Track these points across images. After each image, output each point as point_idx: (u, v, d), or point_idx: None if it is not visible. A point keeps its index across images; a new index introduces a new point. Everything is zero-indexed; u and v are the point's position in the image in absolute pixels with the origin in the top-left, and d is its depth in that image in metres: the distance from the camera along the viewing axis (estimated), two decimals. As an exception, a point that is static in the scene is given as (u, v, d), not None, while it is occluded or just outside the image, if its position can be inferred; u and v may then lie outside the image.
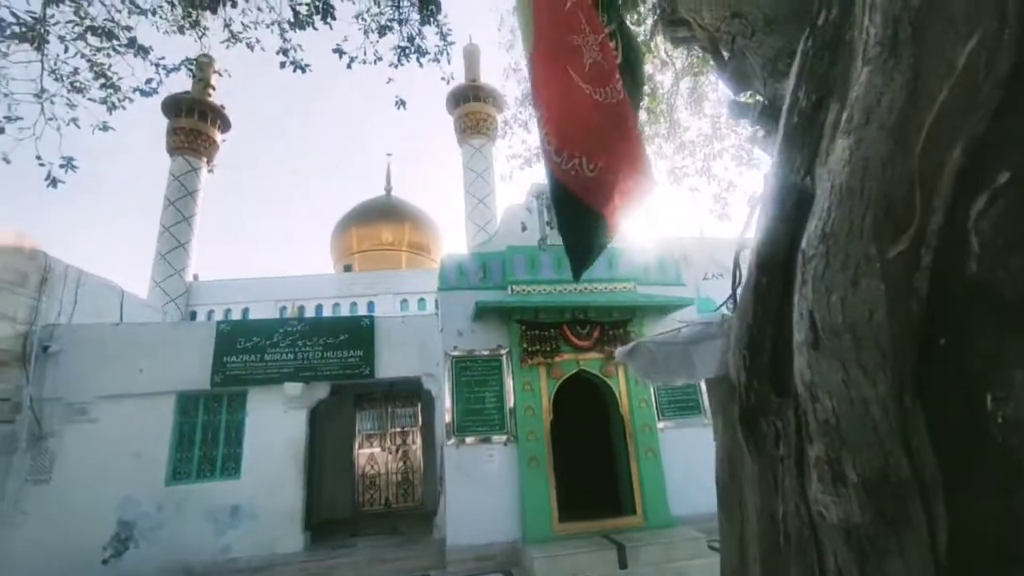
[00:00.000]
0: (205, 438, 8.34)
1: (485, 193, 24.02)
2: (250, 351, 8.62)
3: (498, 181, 25.02)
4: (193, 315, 19.90)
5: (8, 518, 7.30)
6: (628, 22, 1.94)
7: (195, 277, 21.15)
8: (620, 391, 8.19)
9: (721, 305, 2.14)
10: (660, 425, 8.23)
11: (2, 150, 3.00)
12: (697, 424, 8.43)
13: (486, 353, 8.18)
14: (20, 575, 7.08)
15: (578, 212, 1.98)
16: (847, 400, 0.95)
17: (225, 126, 23.84)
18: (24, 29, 2.89)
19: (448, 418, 7.80)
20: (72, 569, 7.18)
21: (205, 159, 22.71)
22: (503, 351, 8.18)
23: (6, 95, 3.05)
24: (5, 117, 3.04)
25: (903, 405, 0.92)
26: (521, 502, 7.38)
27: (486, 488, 7.48)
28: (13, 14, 2.87)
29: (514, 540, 7.26)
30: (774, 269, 1.23)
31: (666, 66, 4.75)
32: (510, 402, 7.91)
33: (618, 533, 7.21)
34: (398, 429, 11.61)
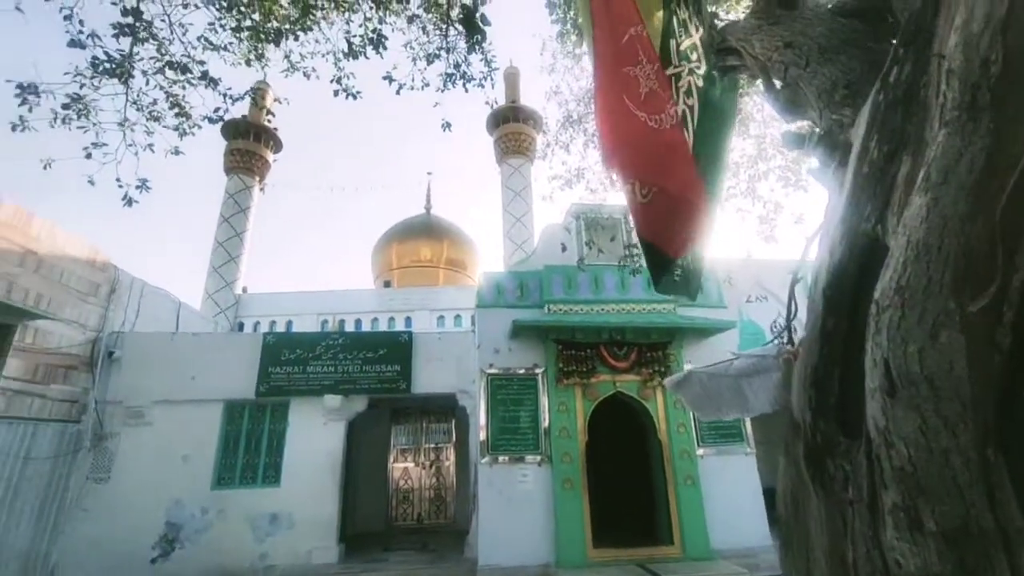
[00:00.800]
0: (249, 446, 8.61)
1: (523, 212, 24.21)
2: (293, 363, 8.90)
3: (537, 201, 25.17)
4: (241, 326, 20.73)
5: (71, 514, 7.73)
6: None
7: (244, 289, 22.10)
8: (658, 415, 7.98)
9: (775, 338, 2.07)
10: (700, 452, 7.95)
11: (87, 173, 3.29)
12: (739, 452, 8.09)
13: (522, 372, 8.15)
14: (81, 569, 7.45)
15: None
16: (925, 449, 0.96)
17: (277, 147, 25.10)
18: (113, 66, 3.19)
19: (482, 436, 7.78)
20: (124, 566, 7.49)
21: (258, 178, 23.92)
22: (539, 370, 8.13)
23: (94, 124, 3.36)
24: (93, 143, 3.35)
25: (986, 457, 0.92)
26: (554, 525, 7.24)
27: (519, 509, 7.38)
28: (106, 53, 3.17)
29: (546, 564, 7.11)
30: (841, 312, 1.25)
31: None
32: (545, 422, 7.83)
33: (654, 563, 6.95)
34: (432, 445, 11.66)
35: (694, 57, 1.96)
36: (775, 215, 5.04)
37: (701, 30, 1.92)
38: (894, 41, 1.41)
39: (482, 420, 7.86)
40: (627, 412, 8.54)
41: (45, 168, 3.40)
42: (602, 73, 1.91)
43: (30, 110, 3.13)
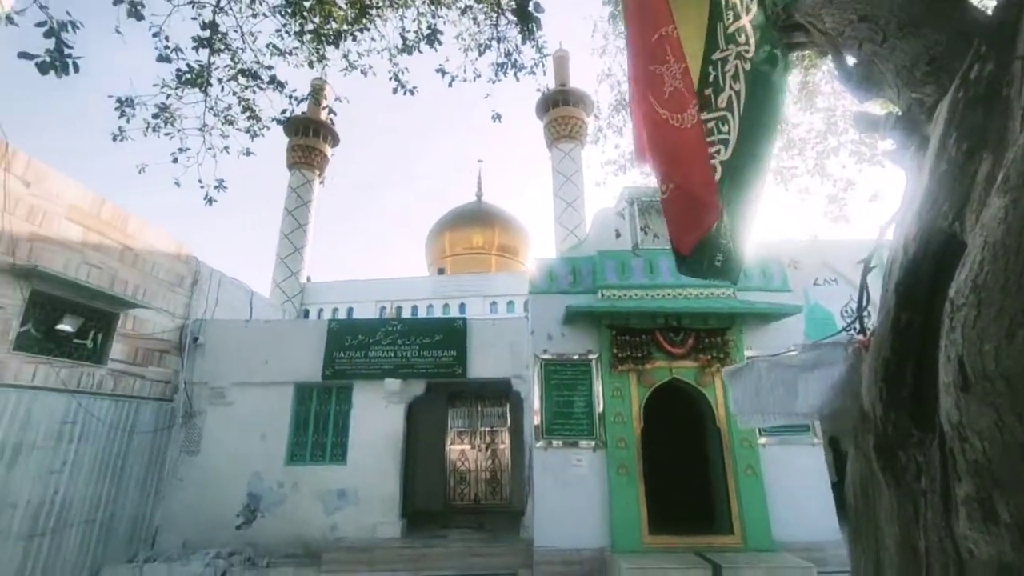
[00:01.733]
0: (317, 426, 9.20)
1: (574, 197, 23.96)
2: (356, 348, 9.37)
3: (589, 185, 24.80)
4: (306, 313, 22.01)
5: (169, 482, 8.64)
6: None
7: (308, 279, 23.38)
8: (717, 402, 7.78)
9: (847, 327, 1.99)
10: (761, 441, 7.70)
11: (173, 176, 3.64)
12: (804, 443, 7.76)
13: (576, 357, 8.18)
14: (178, 532, 8.34)
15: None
16: (1000, 444, 0.95)
17: (335, 141, 26.13)
18: (194, 76, 3.50)
19: (537, 420, 7.91)
20: (215, 529, 8.31)
21: (317, 172, 25.06)
22: (593, 356, 8.13)
23: (179, 131, 3.70)
24: (179, 149, 3.70)
25: None
26: (609, 510, 7.29)
27: (574, 493, 7.48)
28: (188, 65, 3.48)
29: (601, 548, 7.18)
30: (916, 308, 1.24)
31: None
32: (599, 408, 7.85)
33: (712, 552, 6.85)
34: (487, 428, 11.95)
35: (742, 40, 1.91)
36: (846, 193, 4.74)
37: (752, 11, 1.87)
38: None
39: (536, 405, 7.98)
40: (684, 399, 8.39)
41: (140, 172, 3.79)
42: (633, 69, 1.97)
43: (128, 121, 3.49)
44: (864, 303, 1.92)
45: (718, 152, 1.97)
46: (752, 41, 1.89)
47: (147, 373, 8.49)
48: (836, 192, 4.74)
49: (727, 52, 1.97)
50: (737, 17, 1.92)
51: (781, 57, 1.79)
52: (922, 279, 1.23)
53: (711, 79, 2.03)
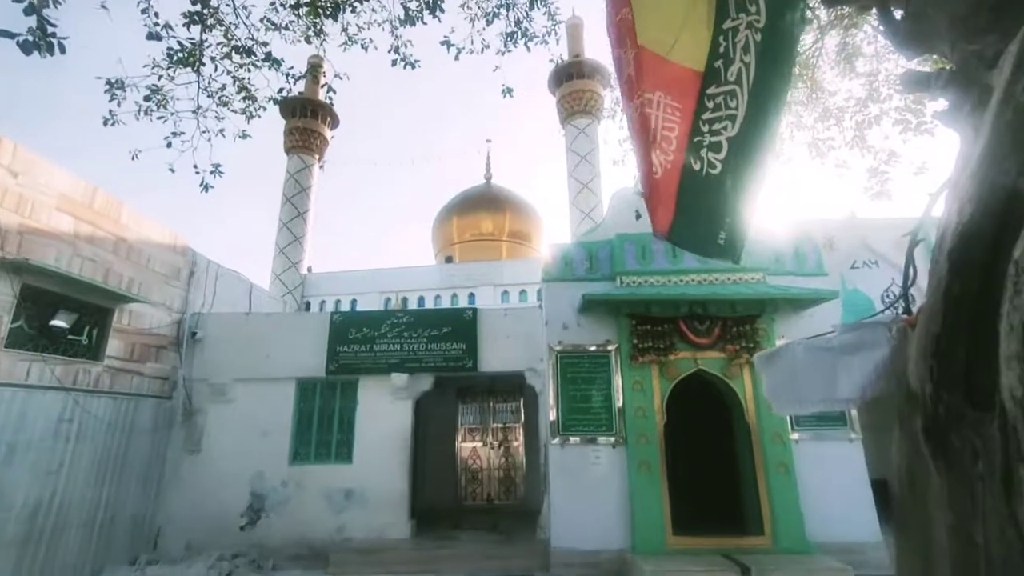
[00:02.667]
0: (321, 423, 9.34)
1: (590, 177, 23.78)
2: (360, 341, 9.46)
3: (606, 164, 24.59)
4: (308, 305, 22.26)
5: (170, 482, 8.86)
6: None
7: (309, 269, 23.60)
8: (746, 395, 7.74)
9: (888, 306, 1.96)
10: (794, 436, 7.65)
11: (167, 162, 3.69)
12: (840, 438, 7.70)
13: (593, 349, 8.18)
14: (180, 533, 8.57)
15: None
16: None
17: (334, 123, 26.19)
18: (186, 54, 3.51)
19: (552, 416, 7.94)
20: (218, 530, 8.51)
21: (317, 156, 25.16)
22: (611, 347, 8.12)
23: (172, 114, 3.74)
24: (172, 133, 3.74)
25: None
26: (630, 510, 7.32)
27: (592, 491, 7.52)
28: (179, 43, 3.50)
29: (621, 549, 7.23)
30: (972, 275, 1.19)
31: (808, 22, 4.36)
32: (619, 402, 7.86)
33: (741, 554, 6.86)
34: (500, 424, 12.04)
35: (753, 10, 1.92)
36: (888, 166, 4.63)
37: None
38: None
39: (551, 399, 8.01)
40: (710, 392, 8.36)
41: (134, 159, 3.83)
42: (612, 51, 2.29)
43: (118, 104, 3.53)
44: (910, 280, 1.89)
45: (724, 128, 2.02)
46: (763, 10, 1.90)
47: (145, 370, 8.66)
48: (877, 165, 4.64)
49: (738, 21, 1.98)
50: None
51: (796, 23, 1.81)
52: (980, 242, 1.19)
53: (721, 50, 2.05)
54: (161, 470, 8.88)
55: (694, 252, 2.41)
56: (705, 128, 2.09)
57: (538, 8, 4.23)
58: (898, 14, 1.70)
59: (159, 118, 3.88)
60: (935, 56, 1.67)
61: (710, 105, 2.07)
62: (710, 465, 8.56)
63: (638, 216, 7.91)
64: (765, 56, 1.91)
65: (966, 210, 1.20)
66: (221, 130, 3.99)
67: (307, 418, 9.36)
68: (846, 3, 2.07)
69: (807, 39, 4.83)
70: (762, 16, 1.92)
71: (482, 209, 27.71)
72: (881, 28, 1.84)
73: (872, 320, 1.86)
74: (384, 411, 9.21)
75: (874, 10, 1.85)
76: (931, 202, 1.77)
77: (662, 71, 2.19)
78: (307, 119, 24.61)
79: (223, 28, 3.75)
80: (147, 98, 3.78)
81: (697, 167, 2.10)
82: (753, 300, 7.82)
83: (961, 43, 1.43)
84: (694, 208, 2.18)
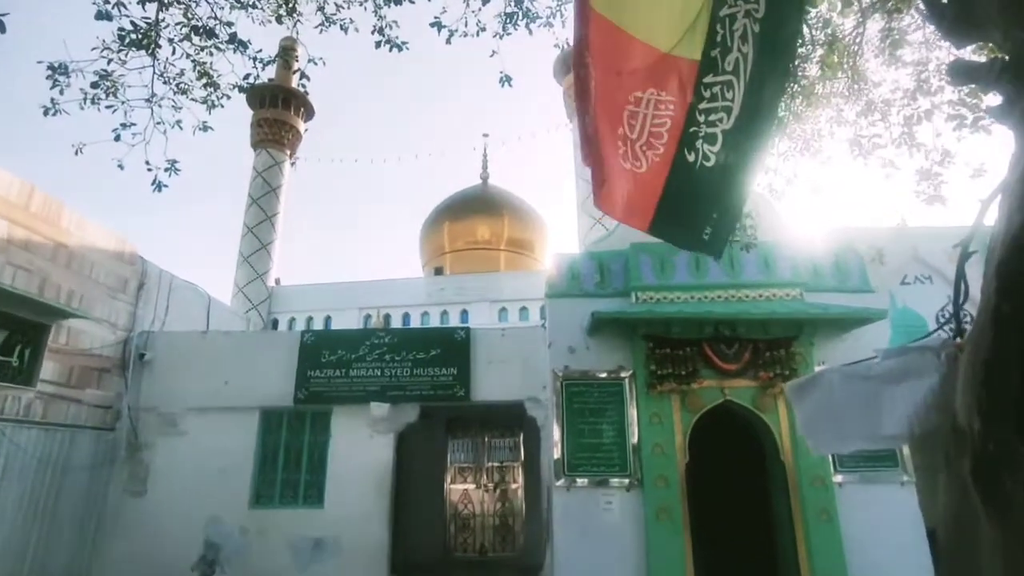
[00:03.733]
0: (288, 460, 9.28)
1: (600, 177, 23.95)
2: (335, 365, 9.44)
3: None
4: (275, 323, 22.25)
5: (110, 528, 8.77)
6: None
7: (277, 281, 23.65)
8: (781, 431, 7.71)
9: (937, 328, 1.97)
10: (837, 479, 7.60)
11: (116, 157, 3.72)
12: (891, 481, 7.65)
13: (604, 375, 8.16)
14: (117, 590, 8.46)
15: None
16: None
17: (309, 114, 26.43)
18: (140, 36, 3.57)
19: (556, 453, 7.90)
20: (163, 588, 8.40)
21: (288, 151, 25.35)
22: (625, 373, 8.10)
23: (123, 103, 3.78)
24: (121, 124, 3.78)
25: None
26: (647, 564, 7.24)
27: (602, 543, 7.45)
28: (132, 23, 3.56)
29: (638, 611, 7.14)
30: (1021, 293, 1.18)
31: (848, 6, 4.41)
32: (633, 437, 7.82)
33: (778, 618, 6.77)
34: (496, 463, 11.94)
35: None
36: (942, 167, 4.67)
37: None
38: None
39: (555, 434, 7.97)
40: (739, 426, 8.31)
41: (77, 153, 3.87)
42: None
43: (61, 92, 3.57)
44: (962, 298, 1.89)
45: (720, 120, 2.19)
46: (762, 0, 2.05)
47: (84, 396, 8.63)
48: (929, 166, 4.67)
49: (736, 8, 2.13)
50: None
51: (795, 15, 1.94)
52: None
53: (718, 38, 2.19)
54: (100, 513, 8.79)
55: (676, 245, 2.72)
56: (701, 119, 2.26)
57: (542, -15, 4.31)
58: None
59: (108, 107, 3.92)
60: (990, 44, 1.71)
61: (706, 95, 2.23)
62: (740, 512, 8.48)
63: (655, 222, 7.93)
64: (764, 48, 2.05)
65: (1016, 219, 1.20)
66: (178, 121, 4.04)
67: (271, 454, 9.30)
68: None
69: (847, 24, 4.91)
70: (761, 5, 2.05)
71: (477, 213, 27.85)
72: (926, 12, 1.88)
73: (919, 344, 1.87)
74: (361, 447, 9.15)
75: None
76: (983, 208, 1.79)
77: (657, 64, 2.39)
78: (277, 109, 24.84)
79: (183, 6, 3.81)
80: (95, 84, 3.82)
81: (692, 159, 2.28)
82: (789, 320, 7.82)
83: (1015, 30, 1.45)
84: (680, 200, 2.38)
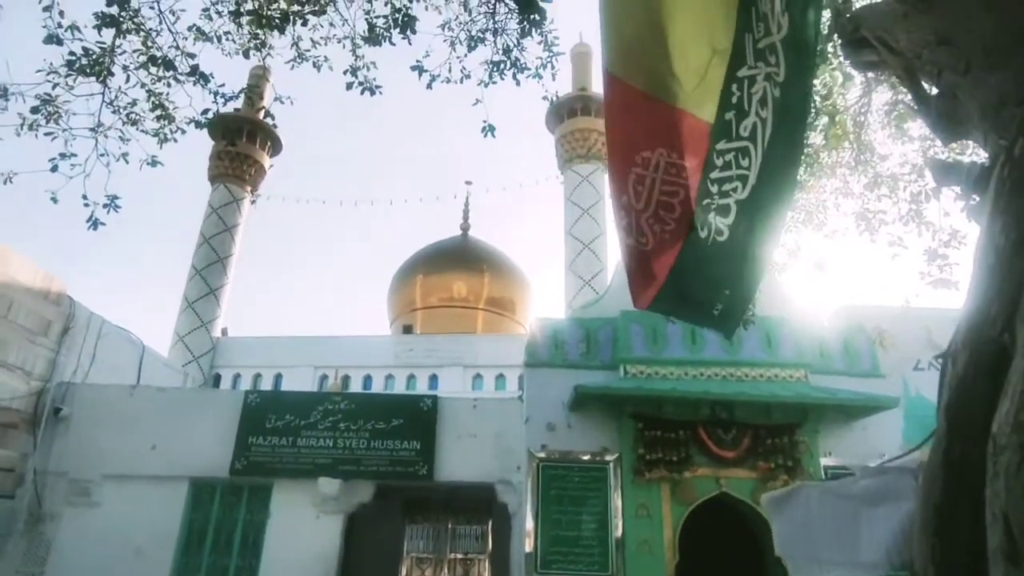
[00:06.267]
0: (218, 541, 8.91)
1: (592, 236, 24.40)
2: (281, 432, 9.23)
3: (612, 225, 25.28)
4: (217, 379, 21.79)
5: (-7, 620, 8.24)
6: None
7: (223, 332, 23.31)
8: (782, 531, 7.62)
9: (922, 443, 2.02)
10: (846, 590, 7.48)
11: (52, 188, 3.74)
12: (907, 595, 7.55)
13: (586, 458, 8.09)
14: None
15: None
16: None
17: (275, 149, 26.83)
18: (91, 62, 3.67)
19: (529, 546, 7.73)
20: None
21: (249, 188, 25.55)
22: (610, 457, 8.05)
23: (64, 131, 3.83)
24: (60, 154, 3.82)
25: None
26: None
27: (578, 656, 7.18)
28: (84, 48, 3.66)
29: None
30: (971, 436, 1.25)
31: (849, 80, 4.71)
32: (617, 531, 7.69)
33: None
34: (460, 554, 11.58)
35: (773, 61, 2.08)
36: (949, 248, 4.87)
37: (784, 29, 2.04)
38: None
39: (529, 524, 7.82)
40: (736, 522, 8.21)
41: (6, 183, 3.88)
42: None
43: (-4, 116, 3.62)
44: (944, 399, 1.95)
45: (734, 190, 2.18)
46: (783, 63, 2.07)
47: (-17, 456, 8.28)
48: (936, 246, 4.87)
49: (756, 71, 2.15)
50: (768, 33, 2.09)
51: (809, 83, 2.00)
52: (975, 401, 1.24)
53: (735, 100, 2.20)
54: (-14, 600, 8.28)
55: (682, 320, 2.63)
56: (714, 189, 2.23)
57: (532, 36, 4.52)
58: (931, 90, 1.88)
59: (47, 134, 3.97)
60: (971, 141, 1.84)
61: (719, 163, 2.22)
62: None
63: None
64: (783, 114, 2.06)
65: (960, 359, 1.28)
66: (124, 154, 4.09)
67: (199, 533, 8.94)
68: (874, 68, 2.28)
69: (853, 94, 5.21)
70: (781, 69, 2.08)
71: (455, 267, 28.02)
72: (915, 105, 2.03)
73: (897, 464, 1.91)
74: (305, 529, 8.85)
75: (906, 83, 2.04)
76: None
77: (668, 121, 2.36)
78: (241, 141, 25.18)
79: (143, 34, 3.93)
80: (35, 109, 3.89)
81: (704, 234, 2.25)
82: (793, 404, 7.89)
83: (993, 134, 1.57)
84: (690, 276, 2.34)
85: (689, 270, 2.32)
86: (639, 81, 2.43)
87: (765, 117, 2.11)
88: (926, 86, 1.94)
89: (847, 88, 4.86)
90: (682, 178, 2.30)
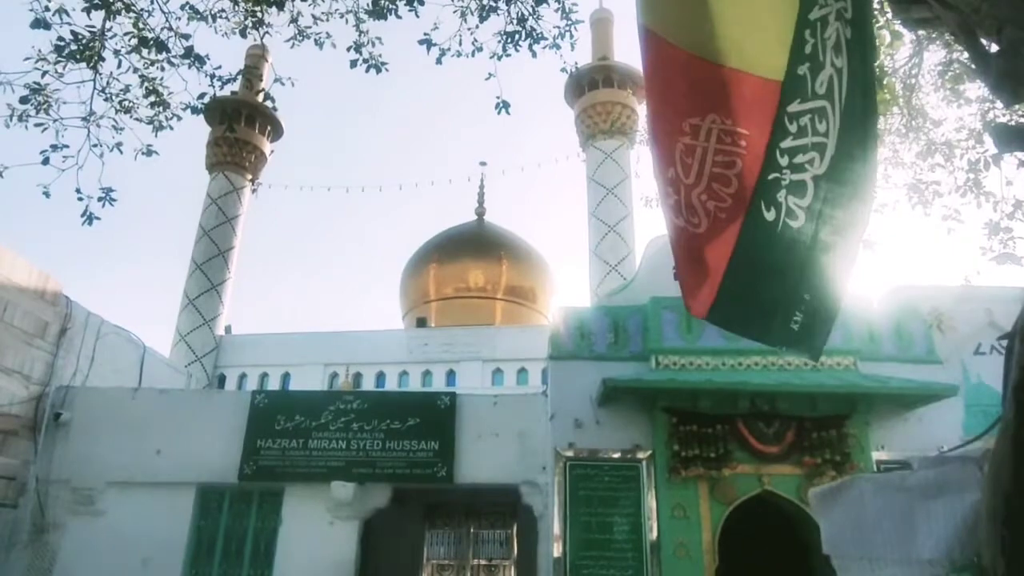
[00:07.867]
0: (228, 550, 9.08)
1: (618, 218, 24.25)
2: (291, 434, 9.35)
3: (640, 201, 25.15)
4: (222, 379, 22.09)
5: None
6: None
7: (227, 329, 23.60)
8: (831, 531, 7.58)
9: (988, 430, 1.98)
10: (901, 593, 7.43)
11: (43, 182, 3.82)
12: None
13: (616, 456, 8.10)
14: None
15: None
16: None
17: (276, 134, 26.99)
18: (81, 47, 3.72)
19: (557, 551, 7.76)
20: None
21: (249, 176, 25.75)
22: (642, 454, 8.05)
23: (55, 121, 3.90)
24: (51, 145, 3.89)
25: None
26: None
27: (612, 667, 7.23)
28: (73, 32, 3.71)
29: None
30: None
31: (898, 38, 4.62)
32: (652, 533, 7.70)
33: None
34: (483, 561, 11.68)
35: None
36: (1013, 219, 4.78)
37: None
38: None
39: (556, 527, 7.85)
40: (780, 523, 8.19)
41: (-2, 177, 3.97)
42: None
43: (-15, 106, 3.70)
44: (1011, 382, 1.91)
45: (810, 163, 1.94)
46: (850, 1, 1.89)
47: (-17, 464, 8.51)
48: (999, 218, 4.79)
49: (827, 9, 1.93)
50: None
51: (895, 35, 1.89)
52: None
53: (808, 49, 1.96)
54: (-9, 613, 8.53)
55: (749, 337, 2.35)
56: (784, 161, 1.97)
57: (548, 3, 4.49)
58: (991, 47, 1.83)
59: (38, 125, 4.04)
60: None
61: (792, 128, 1.96)
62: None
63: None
64: (857, 63, 1.87)
65: None
66: (119, 144, 4.15)
67: (208, 542, 9.11)
68: (926, 26, 2.23)
69: (902, 54, 5.11)
70: (850, 7, 1.88)
71: (471, 255, 28.02)
72: (972, 64, 1.97)
73: (958, 453, 1.89)
74: (318, 536, 8.98)
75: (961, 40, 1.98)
76: None
77: (719, 83, 2.10)
78: (240, 126, 25.34)
79: (134, 15, 3.98)
80: (24, 99, 3.96)
81: (771, 217, 1.99)
82: (841, 394, 7.81)
83: None
84: (755, 270, 2.08)
85: (754, 261, 2.05)
86: (682, 39, 2.15)
87: (840, 67, 1.89)
88: (985, 43, 1.88)
89: (896, 48, 4.76)
90: (739, 146, 2.04)
